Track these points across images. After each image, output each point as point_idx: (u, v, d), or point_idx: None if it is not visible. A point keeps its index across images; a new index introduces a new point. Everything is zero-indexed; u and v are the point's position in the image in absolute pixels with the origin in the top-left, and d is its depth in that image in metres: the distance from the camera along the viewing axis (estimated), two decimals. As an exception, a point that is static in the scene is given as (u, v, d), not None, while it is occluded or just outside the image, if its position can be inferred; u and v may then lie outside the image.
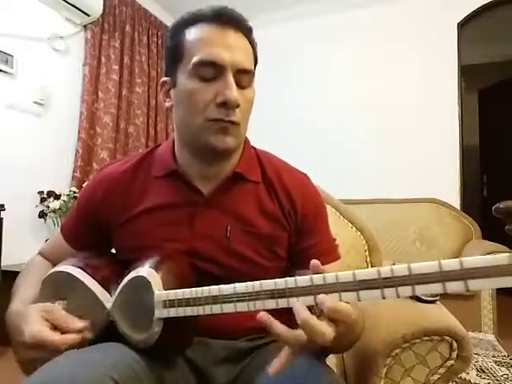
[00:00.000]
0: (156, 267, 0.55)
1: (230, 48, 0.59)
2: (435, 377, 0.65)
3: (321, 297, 0.42)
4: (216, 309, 0.47)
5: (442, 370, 0.65)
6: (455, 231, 2.42)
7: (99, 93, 2.63)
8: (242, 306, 0.46)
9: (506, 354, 1.67)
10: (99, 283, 0.59)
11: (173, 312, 0.50)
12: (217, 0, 0.80)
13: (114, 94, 2.72)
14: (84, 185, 2.20)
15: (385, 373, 0.65)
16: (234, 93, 0.58)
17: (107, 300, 0.58)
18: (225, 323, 0.61)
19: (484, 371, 1.49)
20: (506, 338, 1.91)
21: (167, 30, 0.68)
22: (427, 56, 2.90)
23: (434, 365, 0.65)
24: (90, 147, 2.58)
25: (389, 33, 3.03)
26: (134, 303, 0.55)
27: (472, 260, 0.36)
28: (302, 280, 0.43)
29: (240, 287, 0.46)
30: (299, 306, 0.42)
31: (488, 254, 1.92)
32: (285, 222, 0.68)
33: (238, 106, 0.60)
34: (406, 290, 0.38)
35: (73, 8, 2.37)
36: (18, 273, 0.72)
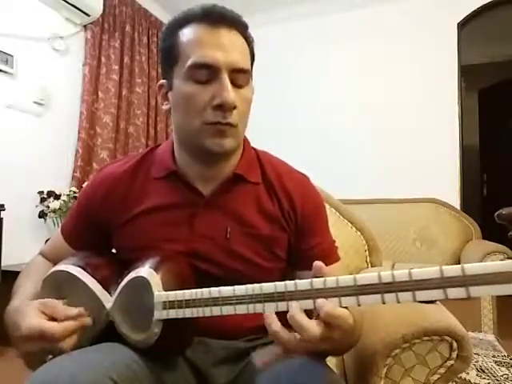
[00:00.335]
0: (156, 268, 0.55)
1: (223, 48, 0.58)
2: (435, 377, 0.65)
3: (320, 301, 0.42)
4: (216, 311, 0.47)
5: (442, 370, 0.64)
6: (455, 231, 2.42)
7: (99, 93, 2.63)
8: (241, 309, 0.46)
9: (506, 354, 1.67)
10: (99, 282, 0.59)
11: (172, 313, 0.50)
12: (216, 1, 0.79)
13: (114, 93, 2.72)
14: (84, 185, 2.20)
15: (385, 373, 0.65)
16: (229, 95, 0.57)
17: (107, 300, 0.58)
18: (225, 324, 0.61)
19: (484, 371, 1.49)
20: (506, 338, 1.91)
21: (161, 33, 0.67)
22: (427, 56, 2.90)
23: (434, 365, 0.65)
24: (90, 147, 2.58)
25: (389, 33, 3.03)
26: (134, 304, 0.55)
27: (474, 266, 0.35)
28: (302, 284, 0.43)
29: (240, 289, 0.46)
30: (294, 305, 0.43)
31: (488, 254, 1.92)
32: (284, 222, 0.68)
33: (234, 107, 0.59)
34: (406, 296, 0.38)
35: (73, 8, 2.37)
36: (18, 273, 0.72)
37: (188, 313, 0.49)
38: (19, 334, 0.53)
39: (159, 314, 0.51)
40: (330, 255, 0.70)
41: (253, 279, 0.47)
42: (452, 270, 0.36)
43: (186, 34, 0.60)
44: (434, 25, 2.90)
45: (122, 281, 0.57)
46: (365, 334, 0.60)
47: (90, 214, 0.70)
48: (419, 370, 0.65)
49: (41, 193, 2.23)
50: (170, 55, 0.62)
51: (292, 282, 0.44)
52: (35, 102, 2.25)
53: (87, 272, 0.60)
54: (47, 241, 0.85)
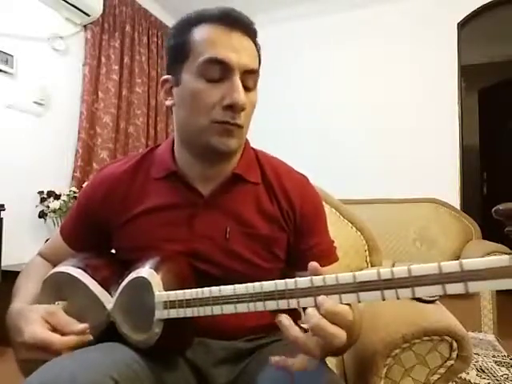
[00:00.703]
0: (156, 268, 0.55)
1: (237, 50, 0.59)
2: (435, 377, 0.65)
3: (320, 298, 0.42)
4: (216, 310, 0.47)
5: (442, 370, 0.65)
6: (455, 231, 2.42)
7: (99, 93, 2.63)
8: (242, 307, 0.46)
9: (506, 354, 1.67)
10: (99, 284, 0.59)
11: (173, 313, 0.50)
12: (218, 0, 0.79)
13: (114, 93, 2.72)
14: (84, 185, 2.20)
15: (385, 373, 0.65)
16: (241, 96, 0.58)
17: (108, 301, 0.58)
18: (225, 324, 0.61)
19: (484, 371, 1.49)
20: (506, 338, 1.91)
21: (168, 29, 0.67)
22: (427, 56, 2.90)
23: (434, 365, 0.65)
24: (90, 147, 2.58)
25: (389, 33, 3.03)
26: (135, 304, 0.55)
27: (472, 262, 0.36)
28: (302, 281, 0.43)
29: (240, 288, 0.46)
30: (311, 310, 0.42)
31: (488, 254, 1.92)
32: (283, 223, 0.68)
33: (243, 109, 0.59)
34: (405, 292, 0.38)
35: (73, 8, 2.37)
36: (18, 273, 0.72)
37: (189, 312, 0.49)
38: (21, 339, 0.53)
39: (160, 313, 0.51)
40: (328, 255, 0.70)
41: (252, 279, 0.47)
42: (450, 266, 0.37)
43: (200, 32, 0.60)
44: (434, 25, 2.90)
45: (122, 281, 0.57)
46: (365, 334, 0.60)
47: (89, 215, 0.70)
48: (419, 370, 0.65)
49: (41, 193, 2.23)
50: (180, 51, 0.62)
51: (292, 279, 0.44)
52: (35, 102, 2.25)
53: (87, 273, 0.60)
54: (47, 241, 0.84)
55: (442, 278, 0.37)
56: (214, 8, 0.61)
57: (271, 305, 0.44)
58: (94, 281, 0.59)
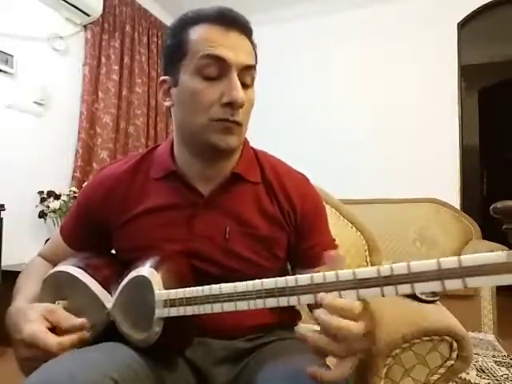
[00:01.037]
0: (156, 267, 0.55)
1: (234, 48, 0.59)
2: (435, 377, 0.65)
3: (321, 295, 0.42)
4: (217, 308, 0.47)
5: (442, 370, 0.65)
6: (455, 231, 2.42)
7: (99, 93, 2.63)
8: (242, 305, 0.46)
9: (506, 354, 1.67)
10: (99, 283, 0.59)
11: (174, 311, 0.50)
12: (218, 0, 0.79)
13: (114, 93, 2.72)
14: (84, 185, 2.20)
15: (385, 373, 0.65)
16: (240, 93, 0.58)
17: (108, 300, 0.58)
18: (225, 323, 0.61)
19: (484, 371, 1.49)
20: (506, 338, 1.91)
21: (167, 29, 0.67)
22: (427, 56, 2.90)
23: (434, 365, 0.65)
24: (90, 147, 2.58)
25: (389, 33, 3.03)
26: (135, 303, 0.55)
27: (470, 258, 0.36)
28: (303, 279, 0.43)
29: (240, 286, 0.46)
30: (317, 310, 0.42)
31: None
32: (284, 222, 0.68)
33: (242, 106, 0.60)
34: (405, 288, 0.39)
35: (73, 8, 2.37)
36: (18, 273, 0.72)
37: (189, 310, 0.49)
38: (20, 337, 0.53)
39: (160, 312, 0.51)
40: None
41: (252, 279, 0.47)
42: (449, 262, 0.37)
43: (197, 31, 0.60)
44: (434, 25, 2.90)
45: (122, 280, 0.57)
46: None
47: (89, 215, 0.70)
48: (419, 369, 0.65)
49: (41, 193, 2.23)
50: (177, 51, 0.62)
51: (292, 277, 0.44)
52: (35, 102, 2.25)
53: (88, 273, 0.60)
54: (47, 241, 0.84)
55: (440, 274, 0.37)
56: (211, 8, 0.61)
57: (271, 302, 0.44)
58: (94, 280, 0.59)
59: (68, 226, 0.74)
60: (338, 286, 0.42)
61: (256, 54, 0.66)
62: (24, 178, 2.18)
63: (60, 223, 2.18)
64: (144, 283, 0.53)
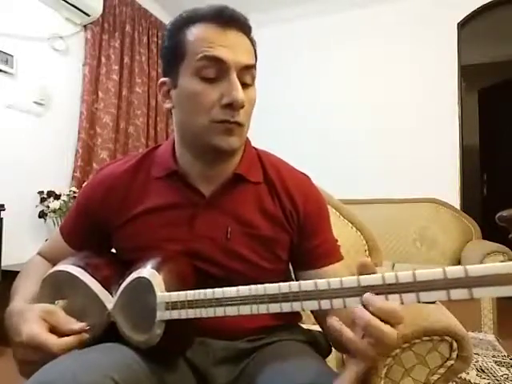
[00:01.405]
0: (158, 268, 0.55)
1: (232, 48, 0.58)
2: (435, 377, 0.65)
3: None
4: (219, 311, 0.47)
5: (442, 370, 0.64)
6: (455, 231, 2.42)
7: (99, 93, 2.63)
8: (245, 310, 0.45)
9: (506, 354, 1.67)
10: (100, 283, 0.58)
11: (175, 314, 0.50)
12: (217, 0, 0.79)
13: (114, 93, 2.72)
14: (84, 185, 2.20)
15: (385, 373, 0.65)
16: (240, 93, 0.57)
17: (108, 300, 0.57)
18: (225, 324, 0.61)
19: (484, 371, 1.49)
20: (506, 338, 1.91)
21: (164, 30, 0.66)
22: (427, 56, 2.90)
23: (434, 365, 0.65)
24: (90, 147, 2.58)
25: (389, 33, 3.03)
26: (136, 304, 0.55)
27: (477, 268, 0.35)
28: (306, 284, 0.43)
29: (243, 290, 0.46)
30: (360, 310, 0.41)
31: (488, 254, 1.92)
32: (286, 223, 0.67)
33: (242, 106, 0.59)
34: (410, 297, 0.38)
35: (73, 8, 2.37)
36: (18, 273, 0.71)
37: (191, 313, 0.49)
38: (19, 339, 0.53)
39: (162, 314, 0.51)
40: (333, 254, 0.69)
41: (253, 280, 0.47)
42: (455, 272, 0.36)
43: (195, 32, 0.60)
44: (434, 25, 2.90)
45: (123, 281, 0.57)
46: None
47: (89, 214, 0.70)
48: (419, 369, 0.65)
49: (41, 193, 2.23)
50: (175, 52, 0.61)
51: (296, 282, 0.44)
52: (35, 102, 2.25)
53: (88, 272, 0.59)
54: (46, 241, 0.84)
55: (446, 284, 0.36)
56: (207, 7, 0.60)
57: (275, 307, 0.44)
58: (94, 280, 0.58)
59: (68, 225, 0.74)
60: (343, 293, 0.41)
61: (256, 52, 0.65)
62: (24, 178, 2.18)
63: (60, 223, 2.18)
64: (145, 285, 0.53)
